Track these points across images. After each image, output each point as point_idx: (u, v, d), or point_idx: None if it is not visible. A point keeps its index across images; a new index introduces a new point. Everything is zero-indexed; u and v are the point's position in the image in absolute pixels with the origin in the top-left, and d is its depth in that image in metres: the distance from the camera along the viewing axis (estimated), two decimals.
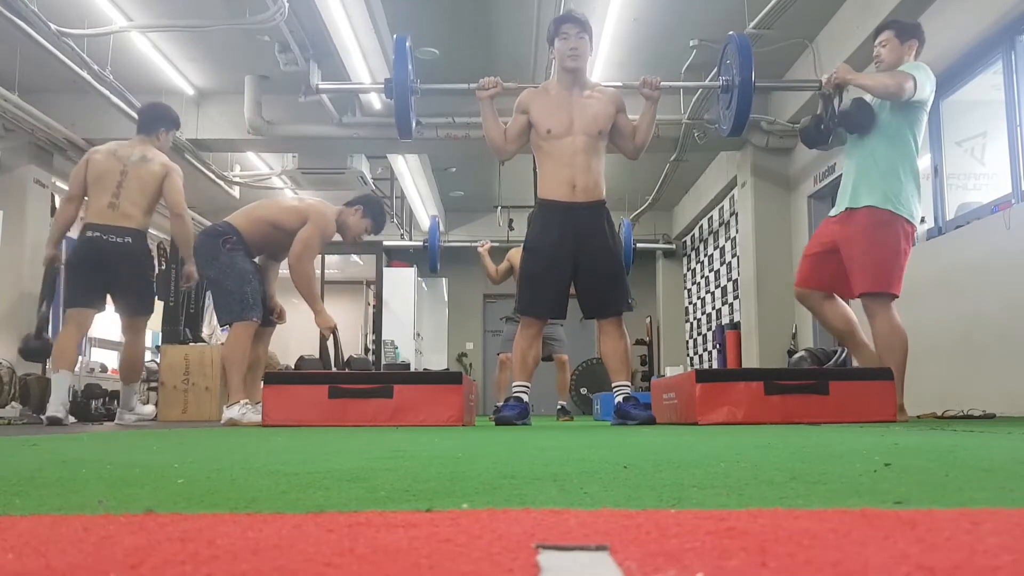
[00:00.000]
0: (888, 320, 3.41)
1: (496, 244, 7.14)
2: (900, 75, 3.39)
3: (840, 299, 3.62)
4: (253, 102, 6.91)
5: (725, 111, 3.76)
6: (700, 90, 6.47)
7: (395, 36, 3.67)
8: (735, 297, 8.92)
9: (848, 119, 3.58)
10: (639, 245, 9.28)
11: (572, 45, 3.54)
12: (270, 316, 4.26)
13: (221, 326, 4.03)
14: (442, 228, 11.67)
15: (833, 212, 3.63)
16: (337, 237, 4.26)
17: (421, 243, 8.18)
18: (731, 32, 3.80)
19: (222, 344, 8.47)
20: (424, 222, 11.07)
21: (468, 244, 11.75)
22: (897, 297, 3.44)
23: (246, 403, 3.86)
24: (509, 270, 6.52)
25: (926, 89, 3.40)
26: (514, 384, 3.68)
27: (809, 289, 3.63)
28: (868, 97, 3.58)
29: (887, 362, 3.39)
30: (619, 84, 3.86)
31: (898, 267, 3.40)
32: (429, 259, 7.47)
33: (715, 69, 5.91)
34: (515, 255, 6.30)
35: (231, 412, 3.83)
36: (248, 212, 4.16)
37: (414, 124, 3.79)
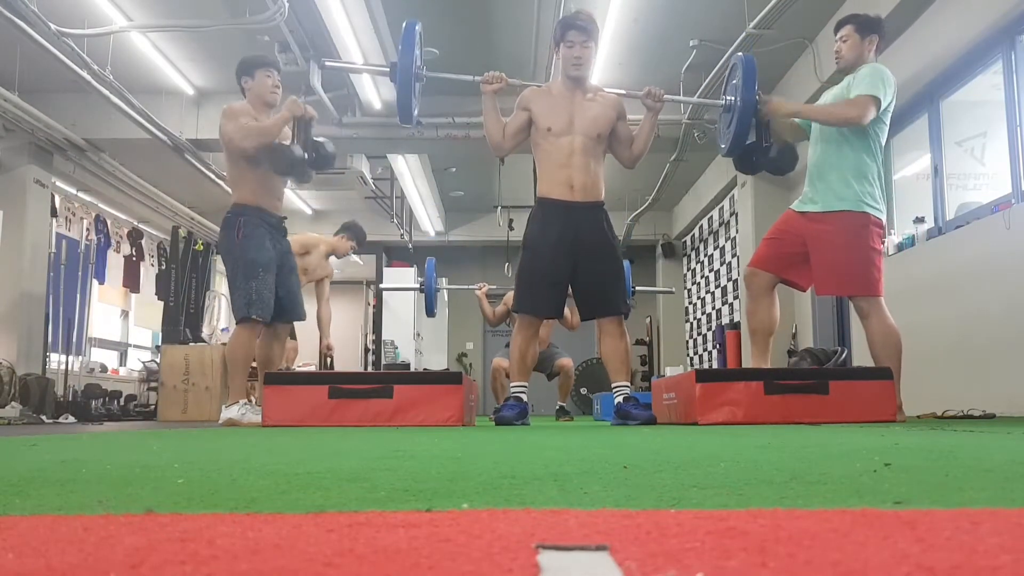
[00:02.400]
0: (882, 320, 3.41)
1: (493, 288, 7.04)
2: (861, 103, 3.35)
3: (775, 302, 3.62)
4: None
5: (726, 130, 3.77)
6: (701, 92, 6.46)
7: (405, 21, 3.61)
8: (735, 297, 8.93)
9: (773, 164, 3.67)
10: (638, 249, 9.24)
11: (576, 54, 3.52)
12: (290, 314, 4.07)
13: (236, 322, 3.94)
14: (442, 228, 11.70)
15: (800, 207, 3.57)
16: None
17: (418, 287, 7.95)
18: (740, 53, 3.81)
19: (223, 344, 8.51)
20: (424, 222, 11.08)
21: (468, 241, 11.79)
22: (882, 296, 3.45)
23: (245, 403, 3.84)
24: (506, 313, 6.53)
25: (888, 96, 3.40)
26: (512, 384, 3.67)
27: (762, 270, 3.63)
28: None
29: (883, 362, 3.39)
30: (622, 92, 3.84)
31: (878, 268, 3.43)
32: (426, 303, 7.27)
33: (714, 70, 5.98)
34: (511, 298, 6.29)
35: (230, 412, 3.80)
36: (229, 177, 4.02)
37: (415, 112, 3.77)
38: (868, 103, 3.33)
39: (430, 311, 7.26)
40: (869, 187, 3.42)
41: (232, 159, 3.93)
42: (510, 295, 6.38)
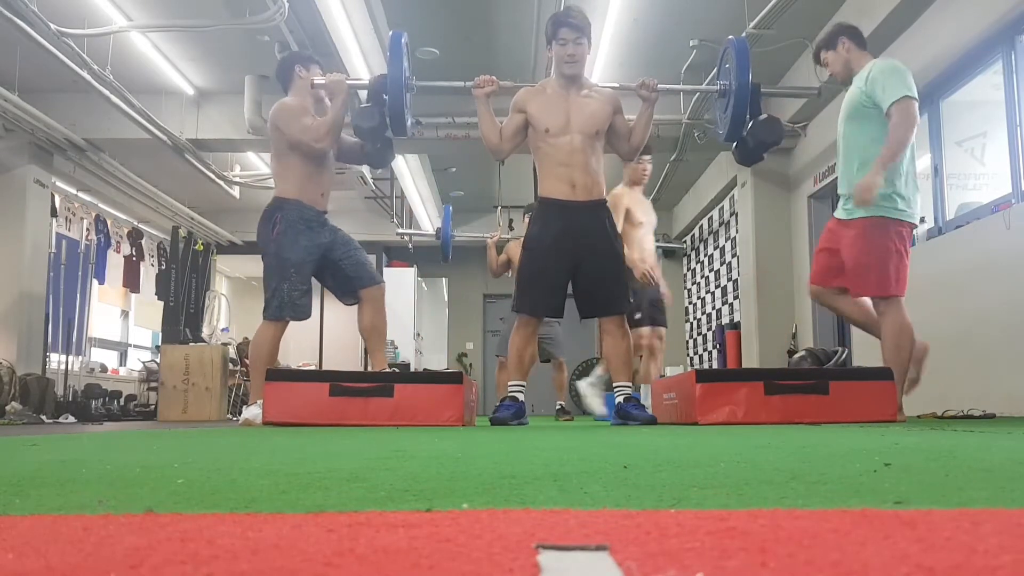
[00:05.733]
0: (895, 320, 3.42)
1: (505, 237, 7.27)
2: (901, 112, 3.30)
3: (851, 299, 3.62)
4: (253, 102, 6.91)
5: (722, 115, 3.77)
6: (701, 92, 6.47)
7: (391, 32, 3.62)
8: (735, 297, 8.92)
9: (753, 134, 3.66)
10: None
11: (570, 52, 3.51)
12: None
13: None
14: None
15: (837, 213, 3.63)
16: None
17: (433, 233, 8.15)
18: (730, 36, 3.80)
19: (223, 344, 8.51)
20: (424, 222, 11.08)
21: (475, 237, 11.82)
22: (902, 296, 3.44)
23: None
24: (507, 263, 6.70)
25: (914, 86, 3.39)
26: (510, 384, 3.67)
27: (822, 287, 3.67)
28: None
29: (891, 360, 3.39)
30: (616, 85, 3.85)
31: (895, 267, 3.41)
32: (442, 248, 7.42)
33: (714, 71, 5.97)
34: (513, 249, 6.47)
35: (248, 412, 3.69)
36: (274, 170, 3.92)
37: (410, 122, 3.76)
38: (906, 107, 3.31)
39: (445, 256, 7.41)
40: (889, 188, 3.40)
41: (279, 152, 3.83)
42: (511, 245, 6.62)
